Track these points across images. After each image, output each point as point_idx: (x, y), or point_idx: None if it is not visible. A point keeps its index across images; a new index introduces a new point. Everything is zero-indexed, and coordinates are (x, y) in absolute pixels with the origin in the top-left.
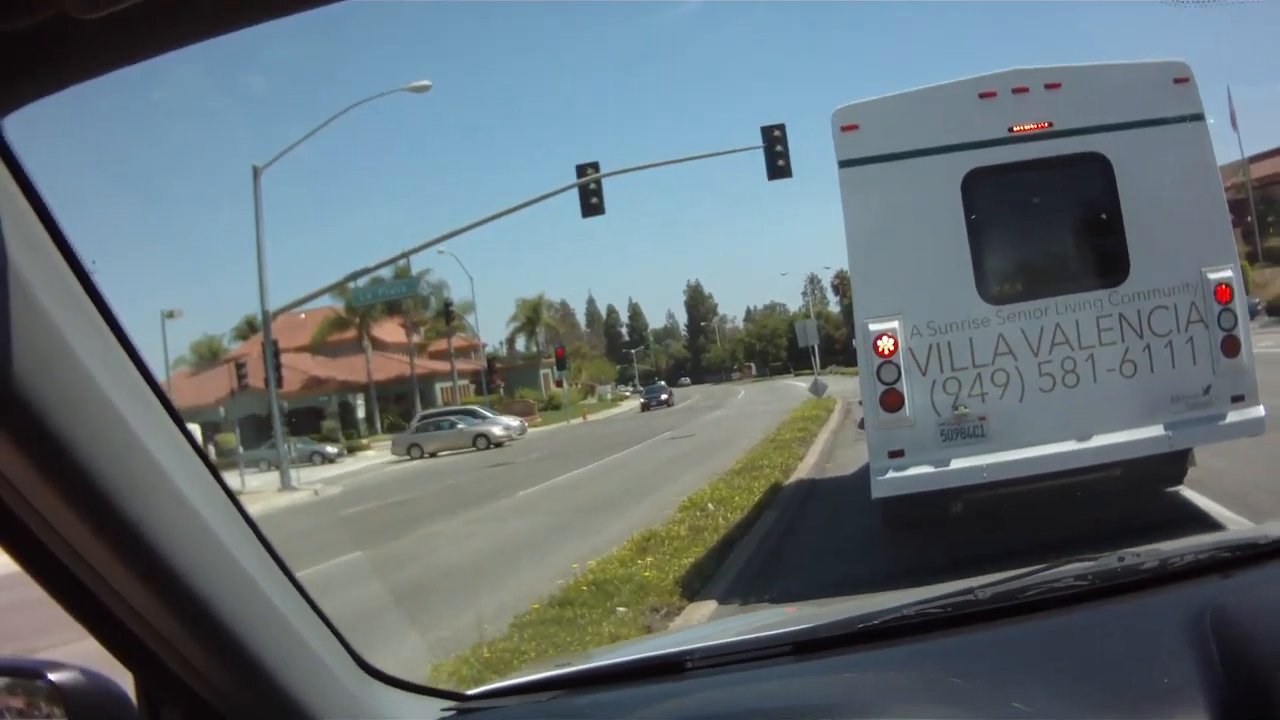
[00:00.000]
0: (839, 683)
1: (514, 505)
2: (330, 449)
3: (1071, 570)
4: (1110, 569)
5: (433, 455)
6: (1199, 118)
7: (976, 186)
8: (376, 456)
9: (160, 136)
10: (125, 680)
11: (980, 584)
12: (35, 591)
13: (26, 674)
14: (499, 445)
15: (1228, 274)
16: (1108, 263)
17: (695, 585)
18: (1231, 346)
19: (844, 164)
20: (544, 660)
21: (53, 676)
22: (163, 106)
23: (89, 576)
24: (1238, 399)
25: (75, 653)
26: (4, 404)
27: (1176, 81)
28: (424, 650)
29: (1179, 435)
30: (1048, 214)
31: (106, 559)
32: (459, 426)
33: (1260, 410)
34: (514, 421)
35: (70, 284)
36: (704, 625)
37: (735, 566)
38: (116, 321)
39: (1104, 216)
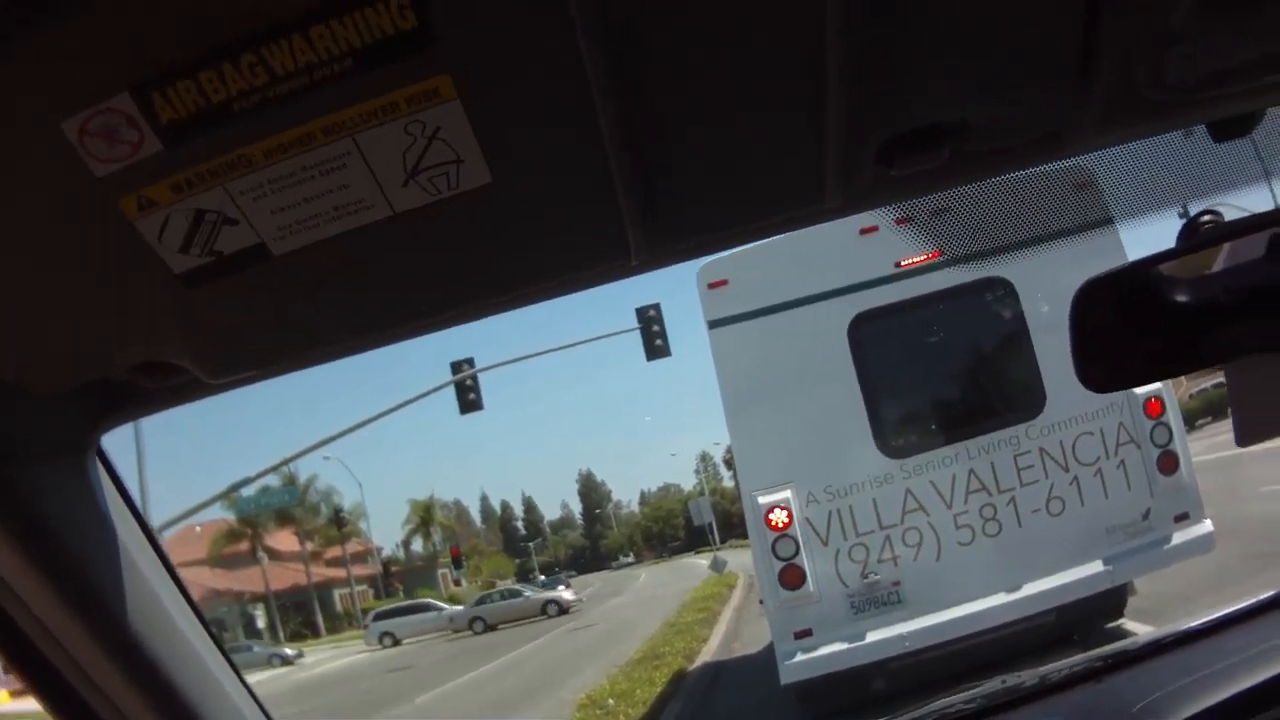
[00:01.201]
0: None
1: (411, 712)
2: (288, 650)
3: (960, 698)
4: (994, 690)
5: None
6: (1107, 223)
7: (865, 331)
8: (283, 667)
9: None
10: None
11: None
12: None
13: None
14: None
15: (1156, 386)
16: (1021, 395)
17: None
18: (1169, 463)
19: (713, 324)
20: None
21: None
22: None
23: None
24: (1181, 518)
25: None
26: (103, 625)
27: (1077, 187)
28: None
29: (1120, 568)
30: (949, 351)
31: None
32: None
33: (1207, 526)
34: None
35: (149, 552)
36: None
37: None
38: (179, 577)
39: (1012, 345)
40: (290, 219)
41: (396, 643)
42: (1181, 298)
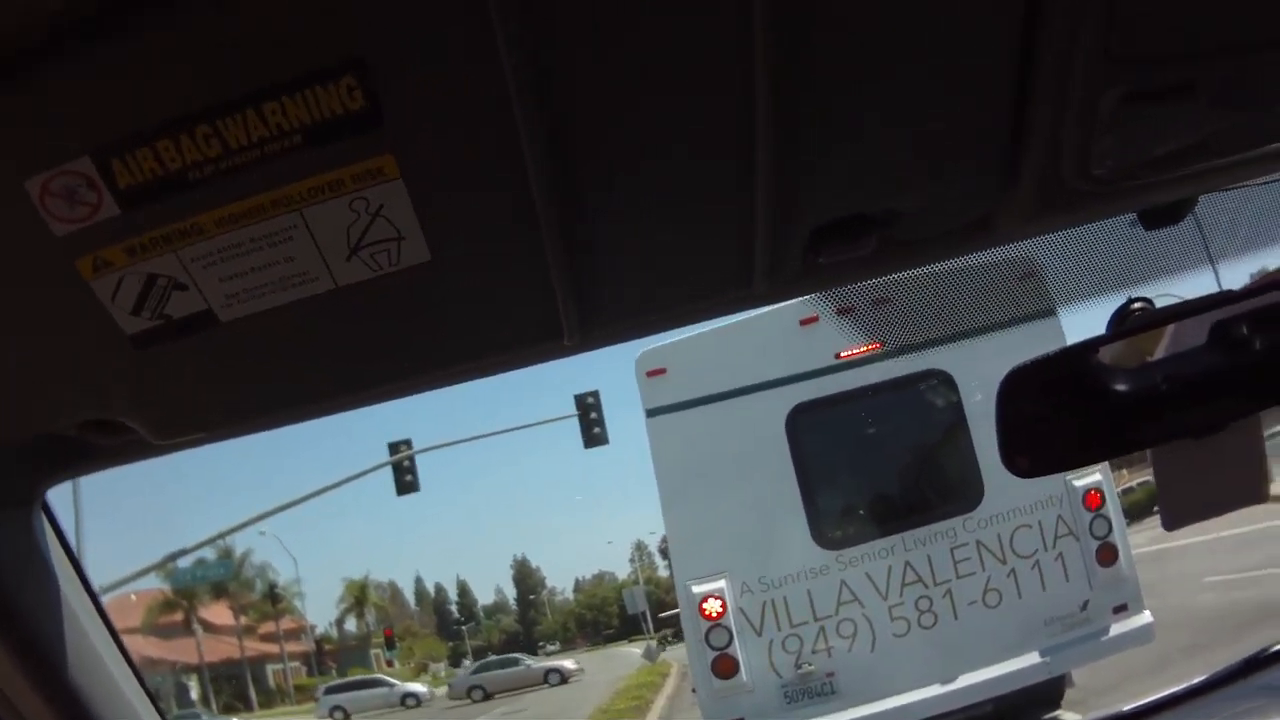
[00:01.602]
0: None
1: None
2: None
3: None
4: None
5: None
6: (1050, 313)
7: (803, 422)
8: None
9: None
10: None
11: None
12: None
13: None
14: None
15: (1096, 478)
16: (959, 488)
17: None
18: (1108, 555)
19: (651, 413)
20: None
21: None
22: None
23: None
24: (1120, 609)
25: None
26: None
27: (1022, 277)
28: None
29: (1058, 659)
30: (887, 442)
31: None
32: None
33: (1146, 617)
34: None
35: (86, 601)
36: None
37: None
38: (112, 626)
39: (951, 437)
40: (238, 287)
41: (347, 717)
42: (1107, 384)
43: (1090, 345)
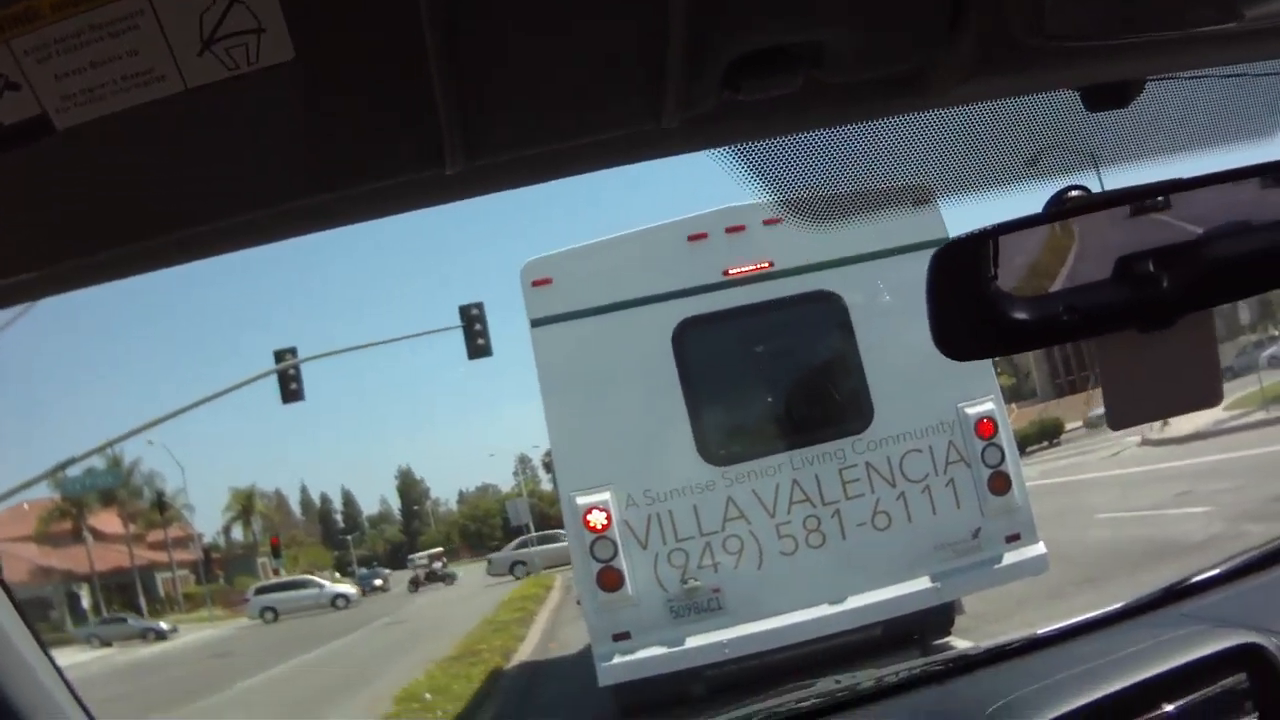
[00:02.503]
0: None
1: (231, 699)
2: (164, 625)
3: (793, 696)
4: (830, 689)
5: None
6: (943, 243)
7: (690, 338)
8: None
9: None
10: None
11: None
12: None
13: None
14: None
15: (989, 407)
16: (848, 410)
17: None
18: (1000, 484)
19: (536, 323)
20: None
21: None
22: None
23: None
24: (1013, 538)
25: None
26: None
27: (916, 203)
28: None
29: (948, 585)
30: (775, 361)
31: None
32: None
33: (1040, 547)
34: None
35: None
36: None
37: None
38: None
39: (840, 359)
40: (75, 87)
41: (276, 617)
42: (1047, 269)
43: (1023, 223)
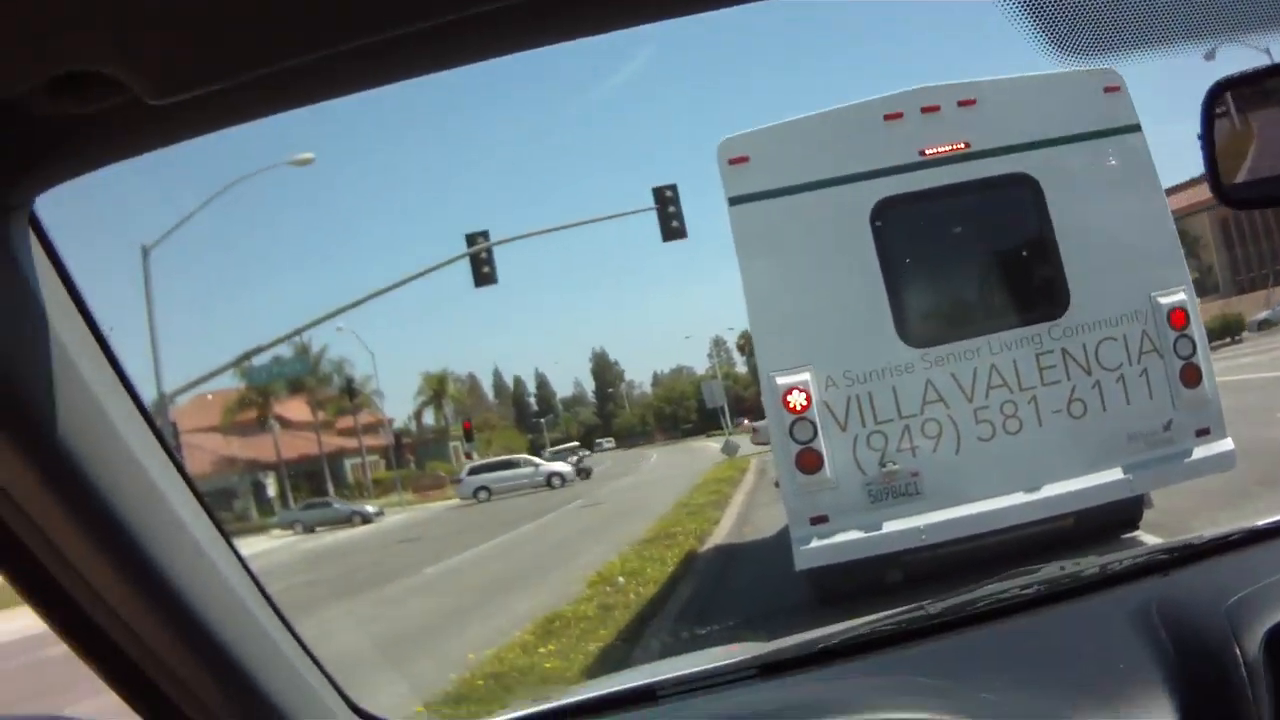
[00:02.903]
0: (807, 694)
1: (419, 584)
2: (370, 507)
3: (1017, 582)
4: (1054, 577)
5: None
6: (1135, 129)
7: (888, 218)
8: (290, 535)
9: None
10: None
11: (930, 602)
12: (60, 649)
13: None
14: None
15: (1180, 297)
16: (1044, 294)
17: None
18: (1191, 376)
19: (734, 201)
20: (522, 700)
21: None
22: None
23: (95, 608)
24: (1202, 433)
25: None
26: (45, 450)
27: (1107, 90)
28: None
29: (1139, 478)
30: (972, 243)
31: (114, 588)
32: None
33: (1228, 444)
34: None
35: (96, 350)
36: (673, 659)
37: (649, 652)
38: (128, 379)
39: (1036, 243)
40: None
41: (491, 496)
42: None
43: None
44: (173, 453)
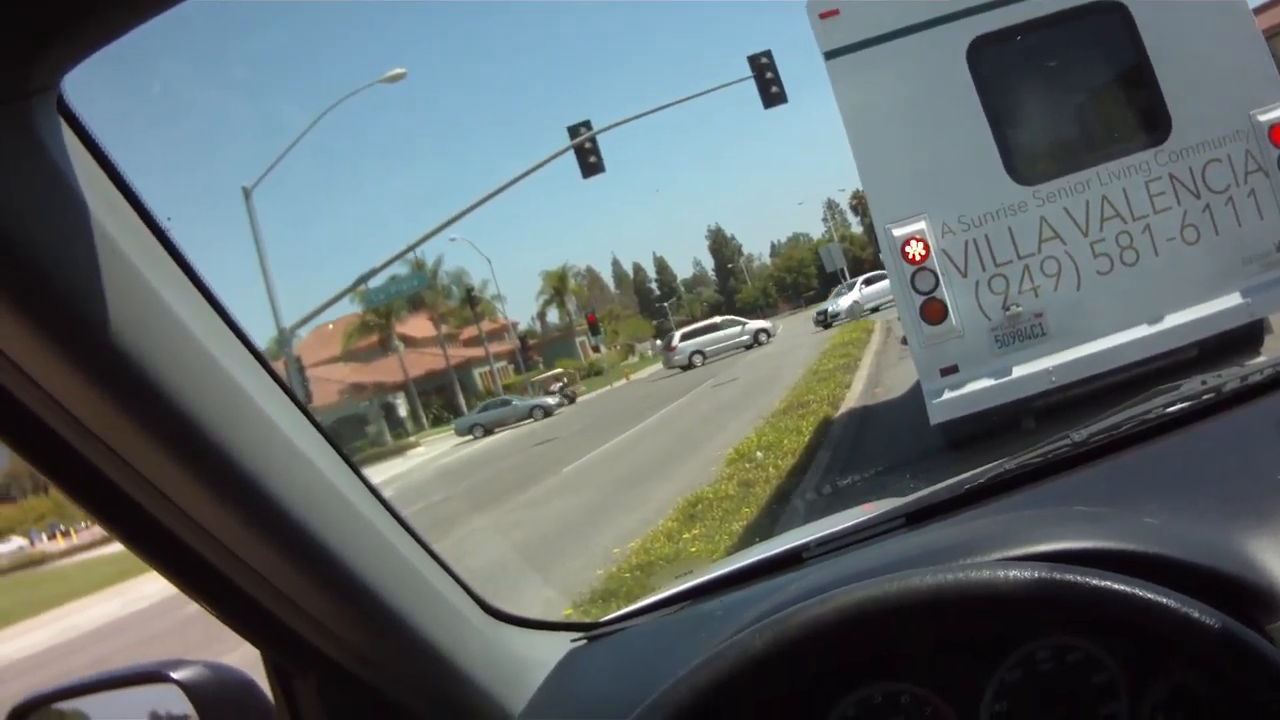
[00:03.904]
0: (960, 534)
1: (558, 484)
2: (550, 400)
3: (1158, 402)
4: (1196, 391)
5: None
6: None
7: (983, 56)
8: (427, 452)
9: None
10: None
11: (1074, 430)
12: (192, 608)
13: (149, 678)
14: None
15: (1279, 114)
16: (1145, 120)
17: None
18: None
19: (829, 55)
20: (669, 580)
21: (175, 675)
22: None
23: (205, 543)
24: None
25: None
26: (112, 364)
27: None
28: None
29: (1259, 301)
30: (1069, 75)
31: (223, 517)
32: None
33: None
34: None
35: (152, 242)
36: (815, 522)
37: (791, 523)
38: (199, 277)
39: (1132, 69)
40: None
41: (706, 360)
42: None
43: None
44: (265, 359)
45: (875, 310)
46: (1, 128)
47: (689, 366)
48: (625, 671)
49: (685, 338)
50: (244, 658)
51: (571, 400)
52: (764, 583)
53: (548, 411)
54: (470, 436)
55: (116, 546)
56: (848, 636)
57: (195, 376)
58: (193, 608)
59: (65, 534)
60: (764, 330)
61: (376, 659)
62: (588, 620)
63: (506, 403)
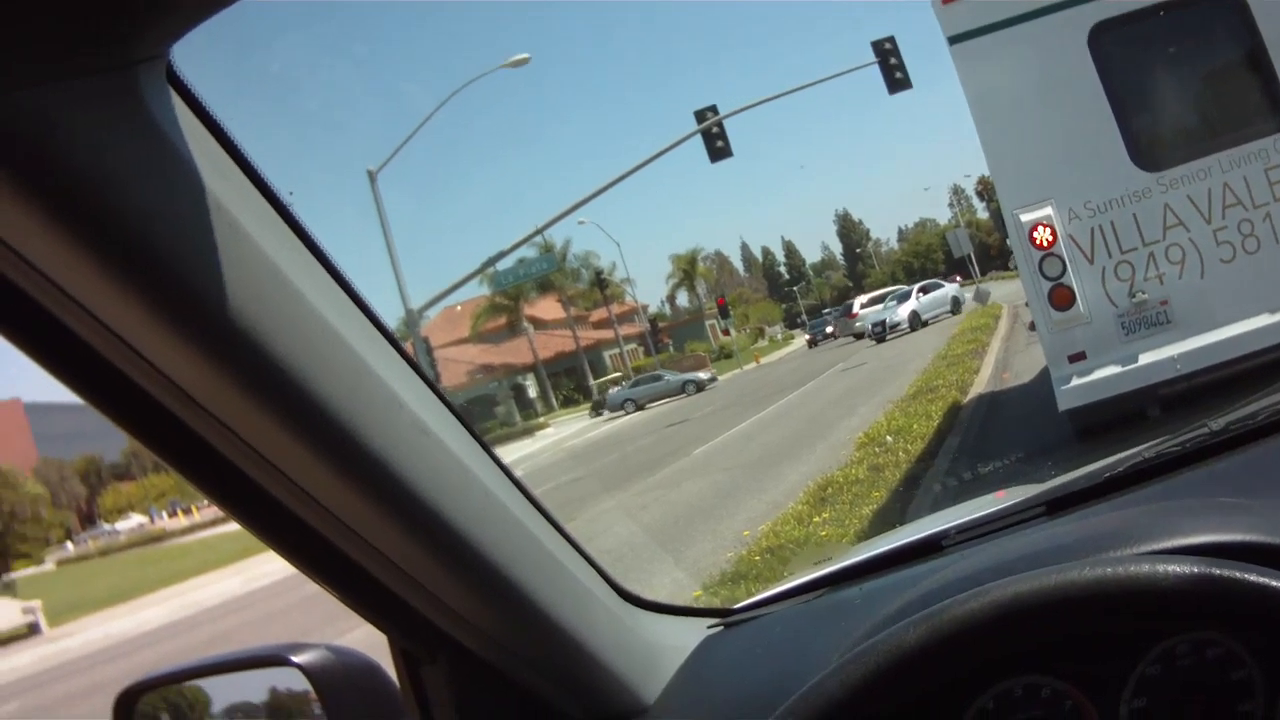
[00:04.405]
0: (1103, 525)
1: (689, 466)
2: (703, 374)
3: None
4: None
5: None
6: None
7: (1105, 41)
8: (556, 433)
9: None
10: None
11: (1210, 420)
12: (313, 587)
13: (271, 661)
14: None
15: None
16: (1264, 107)
17: None
18: None
19: (953, 40)
20: (805, 566)
21: (297, 659)
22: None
23: (331, 526)
24: None
25: (356, 639)
26: (231, 341)
27: None
28: None
29: None
30: (1189, 62)
31: (351, 499)
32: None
33: None
34: None
35: (271, 215)
36: (947, 510)
37: (921, 509)
38: (323, 251)
39: (1249, 56)
40: None
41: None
42: None
43: None
44: (393, 336)
45: (924, 326)
46: (109, 95)
47: (886, 336)
48: (763, 660)
49: (866, 305)
50: (364, 637)
51: (710, 382)
52: (903, 571)
53: (700, 386)
54: (622, 412)
55: (235, 525)
56: (1002, 631)
57: (319, 352)
58: (314, 586)
59: (186, 511)
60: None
61: (510, 645)
62: (723, 606)
63: (659, 378)
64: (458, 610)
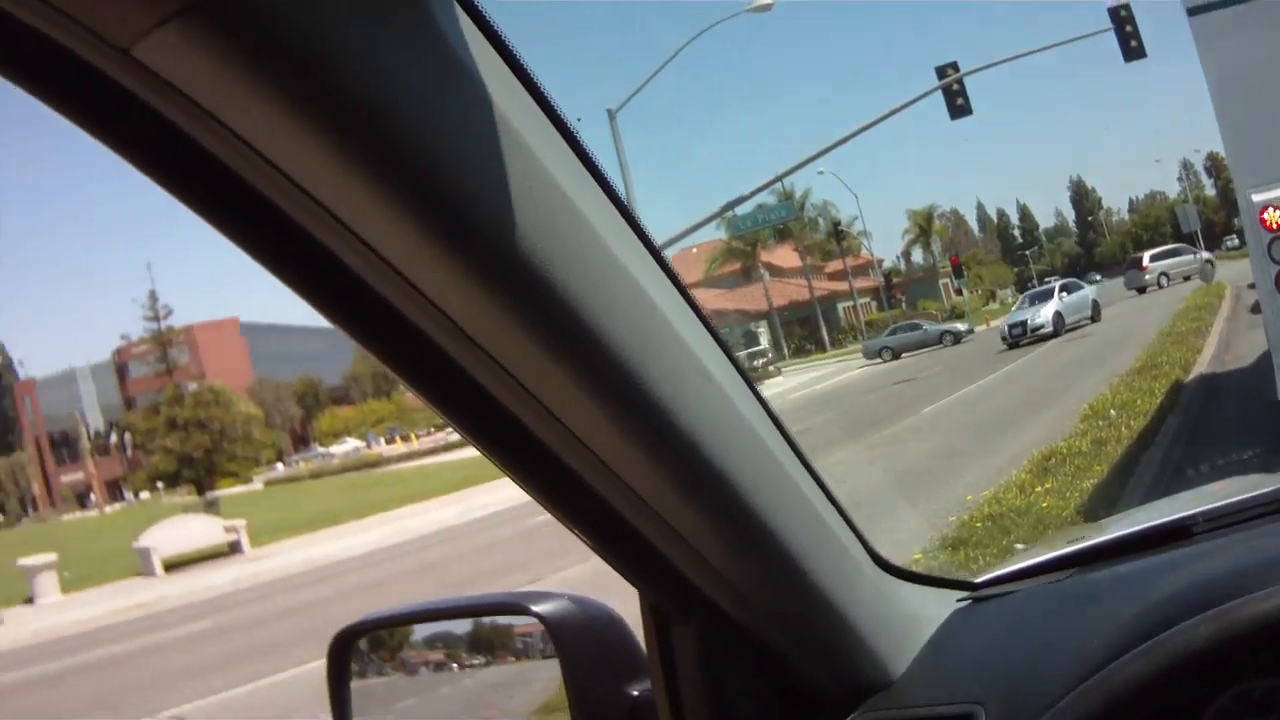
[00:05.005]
0: None
1: (915, 425)
2: (961, 326)
3: None
4: None
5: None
6: None
7: None
8: (785, 382)
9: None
10: (621, 603)
11: None
12: (532, 521)
13: (510, 609)
14: None
15: None
16: None
17: (1099, 513)
18: None
19: (1193, 11)
20: (1051, 539)
21: (536, 608)
22: None
23: (597, 473)
24: None
25: (571, 577)
26: (514, 269)
27: None
28: None
29: None
30: None
31: (630, 443)
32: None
33: None
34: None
35: (558, 141)
36: (1191, 491)
37: (1141, 487)
38: (609, 182)
39: None
40: None
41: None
42: None
43: None
44: (675, 274)
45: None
46: (400, 14)
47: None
48: (1015, 642)
49: (1155, 259)
50: (577, 576)
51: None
52: (1151, 557)
53: (957, 338)
54: (879, 359)
55: (457, 455)
56: None
57: (603, 285)
58: (532, 521)
59: (405, 438)
60: (1210, 261)
61: (771, 607)
62: (970, 579)
63: (916, 326)
64: (720, 569)
